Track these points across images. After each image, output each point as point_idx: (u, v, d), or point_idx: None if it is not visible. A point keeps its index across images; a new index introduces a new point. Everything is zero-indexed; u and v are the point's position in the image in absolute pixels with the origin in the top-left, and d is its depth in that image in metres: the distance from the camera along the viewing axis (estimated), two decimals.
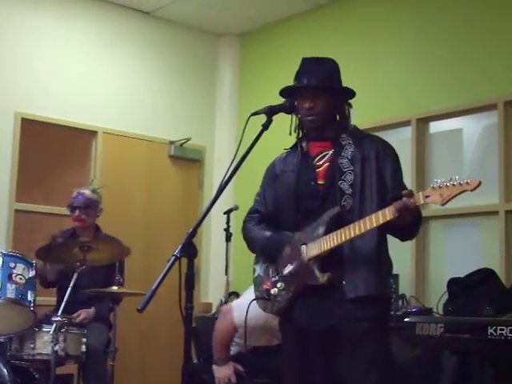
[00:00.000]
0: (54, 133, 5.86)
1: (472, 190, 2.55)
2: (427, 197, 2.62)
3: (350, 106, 3.06)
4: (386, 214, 2.68)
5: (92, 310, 4.55)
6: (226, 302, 5.38)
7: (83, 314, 4.49)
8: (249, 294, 4.02)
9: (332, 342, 2.84)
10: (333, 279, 2.79)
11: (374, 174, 2.89)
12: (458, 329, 3.64)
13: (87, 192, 4.77)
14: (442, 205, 2.60)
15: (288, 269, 2.90)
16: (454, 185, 2.56)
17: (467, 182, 2.54)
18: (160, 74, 6.48)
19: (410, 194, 2.65)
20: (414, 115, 5.25)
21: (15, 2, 5.70)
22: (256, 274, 3.07)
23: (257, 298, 3.04)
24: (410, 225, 2.76)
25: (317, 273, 2.81)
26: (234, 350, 4.28)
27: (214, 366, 4.21)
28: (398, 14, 5.54)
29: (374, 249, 2.84)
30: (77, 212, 4.71)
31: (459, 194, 2.57)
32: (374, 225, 2.71)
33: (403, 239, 2.96)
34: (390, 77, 5.51)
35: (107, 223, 4.97)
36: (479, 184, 2.53)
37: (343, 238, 2.77)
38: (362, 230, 2.73)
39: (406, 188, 2.96)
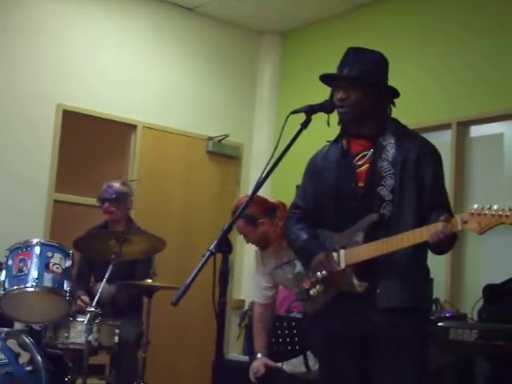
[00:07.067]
0: (94, 125, 5.92)
1: (511, 224, 2.52)
2: (465, 222, 2.58)
3: (392, 104, 2.95)
4: (423, 235, 2.66)
5: (112, 288, 4.48)
6: None
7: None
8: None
9: (364, 348, 2.83)
10: (369, 288, 2.78)
11: (413, 179, 2.82)
12: (493, 335, 3.60)
13: (116, 184, 4.81)
14: (480, 234, 2.57)
15: (320, 273, 2.88)
16: (492, 215, 2.53)
17: (506, 215, 2.51)
18: (200, 70, 6.50)
19: (448, 220, 2.61)
20: (455, 118, 5.20)
21: None
22: (297, 271, 3.07)
23: (296, 300, 3.06)
24: (444, 247, 2.73)
25: (355, 281, 2.80)
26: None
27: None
28: (443, 12, 5.46)
29: (411, 258, 2.79)
30: (106, 204, 4.75)
31: (497, 225, 2.54)
32: (411, 243, 2.69)
33: (436, 254, 2.86)
34: (433, 77, 5.44)
35: (144, 217, 5.02)
36: None
37: (381, 251, 2.74)
38: (399, 246, 2.71)
39: (446, 195, 2.93)
